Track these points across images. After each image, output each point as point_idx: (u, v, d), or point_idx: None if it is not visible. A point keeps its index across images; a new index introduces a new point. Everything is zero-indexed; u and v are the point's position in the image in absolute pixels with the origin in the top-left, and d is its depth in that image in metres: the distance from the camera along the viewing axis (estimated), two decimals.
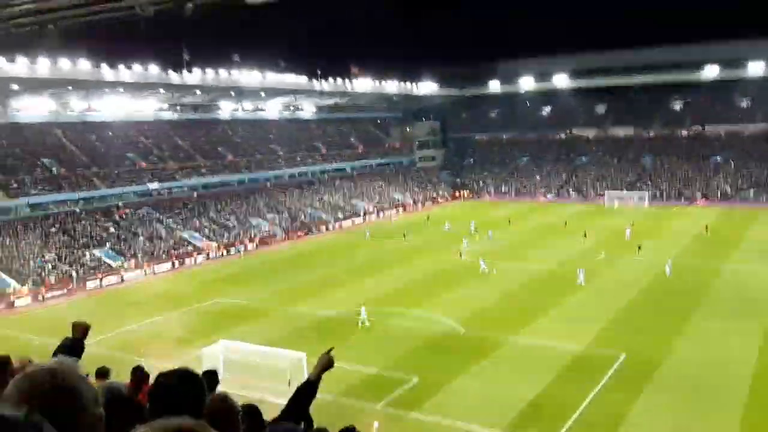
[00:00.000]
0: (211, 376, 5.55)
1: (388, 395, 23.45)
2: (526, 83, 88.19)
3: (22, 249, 45.41)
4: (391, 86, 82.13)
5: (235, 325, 31.59)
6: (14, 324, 33.80)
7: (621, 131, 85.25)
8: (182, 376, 2.38)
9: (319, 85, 72.24)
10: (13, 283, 41.30)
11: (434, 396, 23.21)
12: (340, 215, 66.92)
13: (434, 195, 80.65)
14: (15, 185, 50.62)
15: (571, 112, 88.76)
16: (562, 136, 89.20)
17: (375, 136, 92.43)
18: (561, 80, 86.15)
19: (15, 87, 48.57)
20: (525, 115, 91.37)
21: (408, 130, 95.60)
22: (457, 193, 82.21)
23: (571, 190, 78.49)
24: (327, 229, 62.85)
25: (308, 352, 23.66)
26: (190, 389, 2.33)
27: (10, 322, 34.59)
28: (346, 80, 75.33)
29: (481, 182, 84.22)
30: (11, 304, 38.92)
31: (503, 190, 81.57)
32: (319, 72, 70.96)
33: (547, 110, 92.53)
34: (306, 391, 4.24)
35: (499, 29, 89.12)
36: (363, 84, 77.29)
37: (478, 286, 38.30)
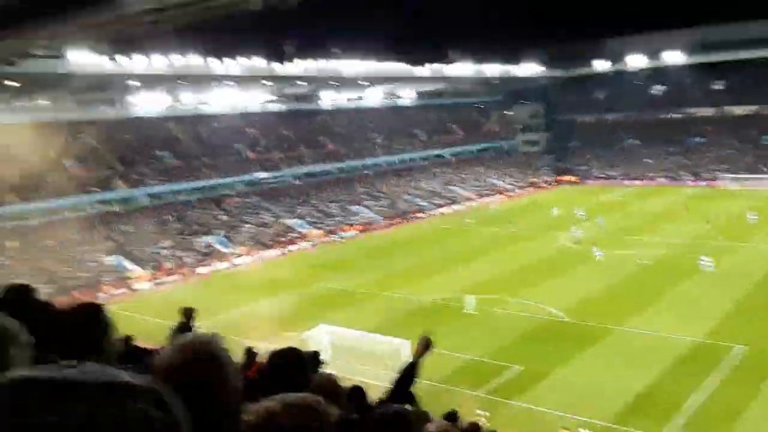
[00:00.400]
0: (315, 358, 5.76)
1: (489, 383, 23.24)
2: (635, 61, 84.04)
3: (140, 236, 48.49)
4: (492, 69, 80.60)
5: (337, 310, 32.28)
6: (133, 306, 36.04)
7: (740, 110, 79.60)
8: (292, 356, 2.58)
9: (419, 71, 72.11)
10: (132, 267, 44.19)
11: (537, 385, 22.77)
12: (439, 202, 66.75)
13: (536, 180, 78.74)
14: (135, 176, 53.99)
15: (684, 90, 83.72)
16: (675, 116, 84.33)
17: (475, 121, 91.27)
18: (673, 57, 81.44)
19: (133, 83, 51.58)
20: (633, 95, 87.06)
21: (509, 114, 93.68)
22: (560, 178, 79.81)
23: (684, 172, 74.29)
24: (425, 215, 62.90)
25: (408, 337, 23.84)
26: (298, 368, 2.44)
27: (129, 304, 36.92)
28: (446, 65, 74.70)
29: (586, 166, 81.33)
30: (131, 288, 41.66)
31: (610, 174, 78.38)
32: (419, 58, 70.81)
33: (657, 89, 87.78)
34: (409, 372, 4.33)
35: (606, 4, 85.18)
36: (463, 68, 76.40)
37: (585, 273, 37.12)
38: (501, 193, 72.34)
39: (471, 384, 22.95)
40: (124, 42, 40.16)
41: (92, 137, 54.75)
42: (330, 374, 2.83)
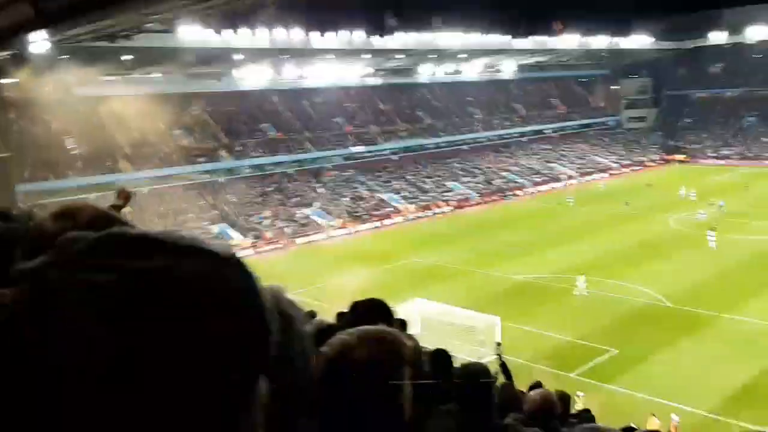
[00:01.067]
0: (402, 324, 5.92)
1: (583, 365, 22.67)
2: (756, 33, 77.94)
3: (243, 206, 50.38)
4: (599, 41, 76.85)
5: (430, 285, 32.31)
6: None
7: None
8: (376, 304, 2.73)
9: (520, 43, 70.02)
10: (236, 235, 46.02)
11: (634, 370, 21.96)
12: (538, 179, 65.13)
13: (642, 158, 75.16)
14: (239, 148, 55.96)
15: None
16: None
17: (578, 95, 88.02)
18: None
19: (238, 57, 53.16)
20: (755, 70, 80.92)
21: (615, 88, 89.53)
22: (669, 157, 75.74)
23: None
24: (524, 193, 61.58)
25: (501, 315, 23.55)
26: (381, 315, 2.58)
27: None
28: (550, 37, 72.09)
29: (698, 145, 76.75)
30: None
31: (724, 154, 73.58)
32: (521, 30, 68.69)
33: None
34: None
35: None
36: (568, 40, 73.40)
37: (693, 257, 35.21)
38: (605, 172, 69.63)
39: (565, 365, 22.43)
40: (230, 16, 41.33)
41: (200, 109, 57.18)
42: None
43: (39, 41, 24.76)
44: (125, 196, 4.05)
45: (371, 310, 2.64)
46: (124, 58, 41.59)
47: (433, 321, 23.57)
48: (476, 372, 3.40)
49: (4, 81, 41.26)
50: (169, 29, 39.76)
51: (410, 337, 2.24)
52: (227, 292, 0.61)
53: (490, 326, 22.51)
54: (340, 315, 6.43)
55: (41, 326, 0.57)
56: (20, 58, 28.75)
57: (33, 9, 17.58)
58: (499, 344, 5.74)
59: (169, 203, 47.82)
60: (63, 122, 44.98)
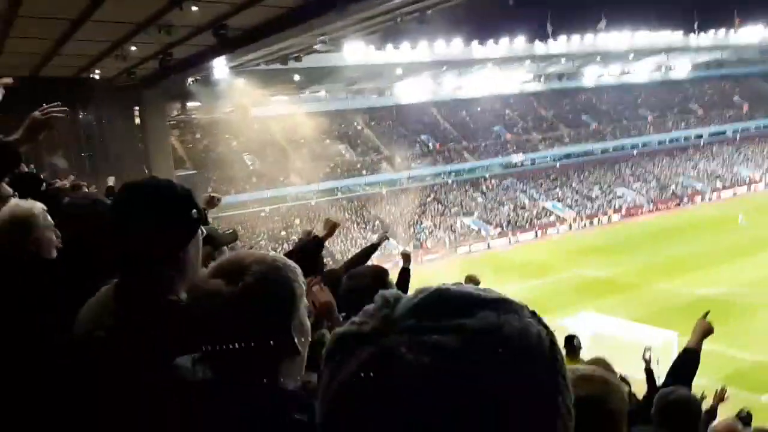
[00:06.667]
0: (571, 340, 5.78)
1: None
2: None
3: (404, 216, 51.33)
4: None
5: (596, 299, 30.78)
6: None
7: None
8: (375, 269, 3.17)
9: (695, 40, 65.00)
10: (396, 245, 46.93)
11: None
12: (719, 185, 59.84)
13: None
14: (399, 160, 57.19)
15: None
16: None
17: (763, 92, 79.83)
18: None
19: (399, 71, 54.47)
20: None
21: None
22: None
23: None
24: (702, 200, 56.87)
25: (678, 331, 21.80)
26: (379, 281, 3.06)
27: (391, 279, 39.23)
28: (729, 31, 66.23)
29: None
30: (395, 264, 44.33)
31: None
32: (696, 25, 63.80)
33: None
34: (685, 359, 3.98)
35: None
36: (749, 33, 66.96)
37: None
38: None
39: (753, 387, 20.27)
40: (392, 32, 42.45)
41: (362, 124, 59.27)
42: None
43: (219, 67, 26.98)
44: (332, 226, 4.57)
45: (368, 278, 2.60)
46: (295, 78, 44.17)
47: (604, 336, 22.37)
48: (685, 400, 3.12)
49: (190, 104, 45.45)
50: (334, 49, 41.69)
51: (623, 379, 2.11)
52: (544, 347, 0.66)
53: (668, 343, 20.86)
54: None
55: (387, 390, 0.61)
56: (203, 83, 31.56)
57: (215, 37, 19.17)
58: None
59: (334, 215, 49.95)
60: (240, 141, 48.74)
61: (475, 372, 0.61)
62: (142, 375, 1.42)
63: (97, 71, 27.07)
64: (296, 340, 1.41)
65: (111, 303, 1.68)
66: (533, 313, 0.68)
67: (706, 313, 3.75)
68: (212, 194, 4.72)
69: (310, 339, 1.49)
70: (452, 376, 0.60)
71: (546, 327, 0.68)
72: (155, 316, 1.59)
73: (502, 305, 0.66)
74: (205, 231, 1.88)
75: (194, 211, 1.75)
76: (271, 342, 1.36)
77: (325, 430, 0.68)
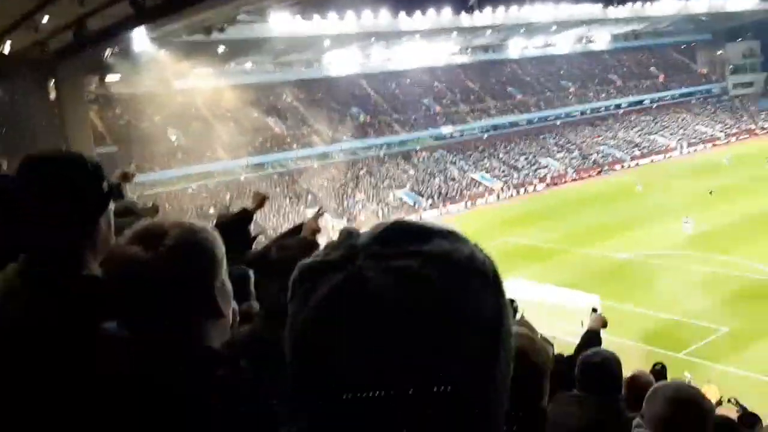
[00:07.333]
0: (511, 303, 5.93)
1: (691, 345, 21.65)
2: None
3: (336, 189, 51.19)
4: (699, 5, 72.21)
5: (525, 266, 31.69)
6: None
7: None
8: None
9: (614, 11, 66.89)
10: (330, 218, 46.85)
11: (747, 349, 20.76)
12: (637, 153, 62.36)
13: (752, 127, 70.40)
14: (329, 132, 56.81)
15: None
16: None
17: (678, 62, 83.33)
18: None
19: (327, 43, 53.82)
20: None
21: (718, 53, 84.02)
22: None
23: None
24: (622, 167, 59.18)
25: (602, 295, 22.78)
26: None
27: None
28: (646, 3, 68.44)
29: None
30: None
31: None
32: None
33: None
34: (587, 338, 4.32)
35: None
36: (665, 6, 69.39)
37: None
38: (710, 142, 65.82)
39: (671, 345, 21.48)
40: (318, 1, 41.84)
41: (291, 97, 58.43)
42: None
43: (139, 38, 25.95)
44: (260, 199, 4.54)
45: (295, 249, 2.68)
46: (219, 50, 43.00)
47: (532, 301, 23.12)
48: (606, 360, 3.29)
49: (109, 78, 43.63)
50: (260, 19, 40.73)
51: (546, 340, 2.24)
52: (489, 270, 0.74)
53: (591, 305, 21.82)
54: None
55: (359, 311, 0.65)
56: (123, 55, 30.29)
57: (133, 7, 18.39)
58: (594, 310, 5.56)
59: (265, 190, 49.24)
60: (164, 115, 47.18)
61: (434, 290, 0.66)
62: (66, 342, 1.40)
63: (6, 44, 25.55)
64: (219, 302, 1.43)
65: (17, 281, 1.62)
66: (476, 245, 0.76)
67: (594, 310, 4.20)
68: (125, 170, 4.61)
69: (232, 302, 1.51)
70: (415, 295, 0.66)
71: (489, 256, 0.76)
72: (67, 290, 1.55)
73: (453, 235, 0.74)
74: (125, 205, 1.84)
75: (104, 184, 1.72)
76: (193, 305, 1.38)
77: (294, 364, 0.69)
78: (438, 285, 0.67)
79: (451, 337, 0.66)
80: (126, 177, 4.51)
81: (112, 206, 1.77)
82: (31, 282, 1.60)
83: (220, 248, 1.45)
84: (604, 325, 4.59)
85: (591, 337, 4.25)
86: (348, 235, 0.75)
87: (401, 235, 0.71)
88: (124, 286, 1.38)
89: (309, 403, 0.69)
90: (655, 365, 8.78)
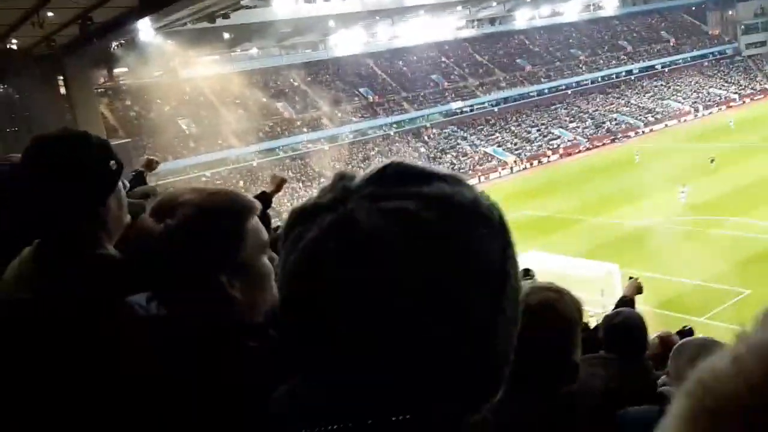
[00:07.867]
0: (528, 272, 5.99)
1: (713, 308, 21.51)
2: None
3: (348, 171, 51.09)
4: None
5: (543, 237, 31.56)
6: None
7: None
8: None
9: None
10: None
11: None
12: (651, 119, 61.62)
13: (767, 87, 69.19)
14: (339, 114, 56.65)
15: None
16: None
17: (689, 24, 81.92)
18: None
19: (332, 24, 53.45)
20: None
21: (729, 13, 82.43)
22: None
23: None
24: (636, 134, 58.55)
25: (621, 263, 22.71)
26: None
27: None
28: None
29: None
30: None
31: None
32: None
33: None
34: (621, 304, 4.33)
35: None
36: None
37: None
38: (724, 105, 64.83)
39: (693, 310, 21.36)
40: None
41: (298, 80, 58.23)
42: None
43: (145, 29, 25.93)
44: (279, 182, 4.57)
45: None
46: (225, 36, 42.90)
47: (550, 272, 23.07)
48: (628, 319, 3.28)
49: (117, 70, 43.67)
50: (263, 3, 40.52)
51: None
52: (494, 216, 0.72)
53: (610, 274, 21.75)
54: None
55: (348, 254, 0.61)
56: (129, 47, 30.30)
57: None
58: (631, 278, 5.59)
59: (279, 174, 49.32)
60: (173, 105, 47.27)
61: (432, 233, 0.63)
62: (86, 321, 1.38)
63: (14, 41, 25.65)
64: (247, 279, 1.35)
65: (32, 266, 1.62)
66: (482, 192, 0.71)
67: (631, 277, 4.34)
68: (150, 156, 4.61)
69: (269, 284, 1.42)
70: (411, 238, 0.62)
71: (495, 203, 0.73)
72: (83, 269, 1.54)
73: (455, 178, 0.70)
74: (145, 191, 1.83)
75: (112, 162, 1.68)
76: (212, 276, 1.31)
77: (284, 309, 0.67)
78: (436, 228, 0.63)
79: (449, 285, 0.62)
80: (150, 165, 4.50)
81: (122, 186, 1.75)
82: (46, 265, 1.60)
83: (247, 214, 1.37)
84: (640, 291, 4.59)
85: (625, 303, 4.27)
86: (341, 177, 0.71)
87: (398, 177, 0.67)
88: (141, 260, 1.36)
89: (300, 353, 0.66)
90: (683, 327, 8.74)
